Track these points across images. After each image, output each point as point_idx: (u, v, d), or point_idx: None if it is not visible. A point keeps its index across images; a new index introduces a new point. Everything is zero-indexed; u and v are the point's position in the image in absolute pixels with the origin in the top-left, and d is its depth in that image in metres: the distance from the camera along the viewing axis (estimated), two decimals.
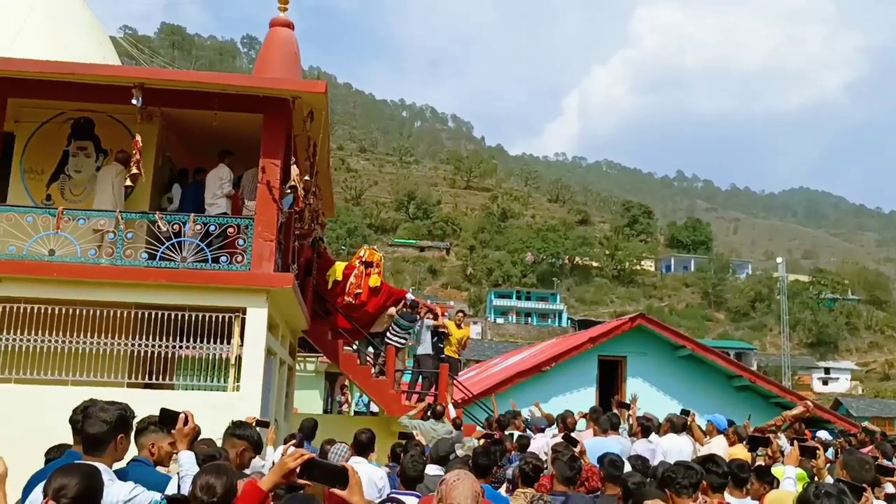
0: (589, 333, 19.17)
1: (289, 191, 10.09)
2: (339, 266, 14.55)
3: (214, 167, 11.01)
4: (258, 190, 10.30)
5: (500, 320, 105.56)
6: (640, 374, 18.03)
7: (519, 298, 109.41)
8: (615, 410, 10.19)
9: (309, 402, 22.41)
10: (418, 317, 14.20)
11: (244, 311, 9.93)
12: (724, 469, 5.22)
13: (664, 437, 9.60)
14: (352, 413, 21.41)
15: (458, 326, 14.57)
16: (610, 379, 18.27)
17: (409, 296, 14.75)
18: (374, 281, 14.40)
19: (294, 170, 10.09)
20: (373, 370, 14.18)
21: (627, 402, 11.35)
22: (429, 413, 10.83)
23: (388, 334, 14.15)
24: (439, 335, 14.24)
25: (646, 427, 9.05)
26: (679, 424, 9.63)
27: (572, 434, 8.49)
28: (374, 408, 19.78)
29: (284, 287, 9.98)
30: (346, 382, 23.47)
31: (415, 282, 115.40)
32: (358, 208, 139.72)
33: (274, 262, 10.14)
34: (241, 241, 10.13)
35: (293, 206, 11.07)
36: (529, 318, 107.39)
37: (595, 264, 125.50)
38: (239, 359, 9.85)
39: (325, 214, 15.98)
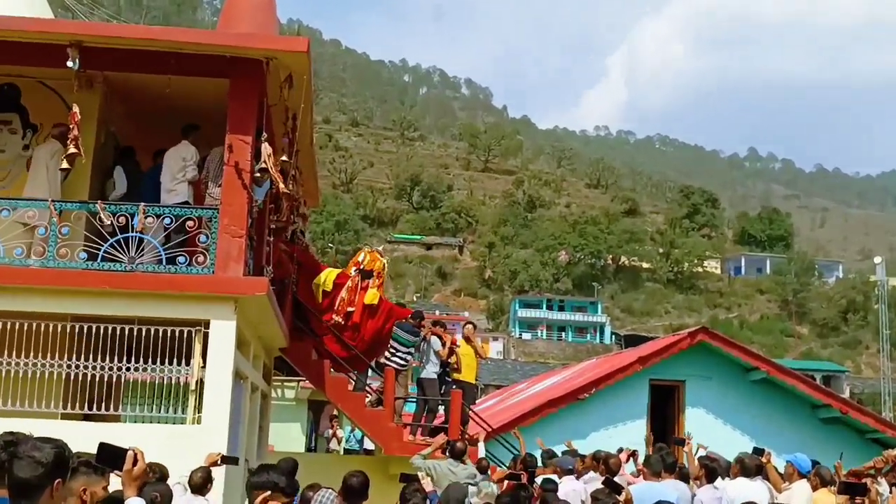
0: (638, 352, 19.12)
1: (259, 173, 10.11)
2: (331, 274, 14.60)
3: (176, 145, 11.03)
4: (224, 174, 10.32)
5: (526, 335, 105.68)
6: (702, 402, 17.97)
7: (550, 308, 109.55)
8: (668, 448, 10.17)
9: (288, 437, 22.48)
10: (421, 330, 14.23)
11: (207, 325, 9.98)
12: None
13: (733, 481, 9.57)
14: (341, 451, 21.47)
15: (467, 341, 14.56)
16: (664, 409, 18.22)
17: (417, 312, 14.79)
18: (372, 297, 14.44)
19: (266, 148, 10.11)
20: (367, 398, 14.22)
21: (685, 438, 11.35)
22: (447, 452, 10.86)
23: (385, 353, 14.20)
24: (452, 352, 14.29)
25: (710, 469, 9.03)
26: (752, 466, 9.58)
27: (616, 478, 8.48)
28: (368, 444, 19.82)
29: (257, 294, 10.01)
30: (335, 413, 23.51)
31: (419, 288, 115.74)
32: (349, 196, 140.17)
33: (244, 264, 10.18)
34: (203, 238, 10.16)
35: (268, 193, 11.10)
36: (563, 333, 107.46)
37: (646, 265, 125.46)
38: (200, 383, 9.89)
39: (308, 204, 16.00)
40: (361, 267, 14.66)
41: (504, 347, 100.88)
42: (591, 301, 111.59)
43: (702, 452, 10.83)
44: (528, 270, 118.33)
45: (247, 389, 11.80)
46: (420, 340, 14.22)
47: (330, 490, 6.34)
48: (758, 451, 10.44)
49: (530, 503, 7.83)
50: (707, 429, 17.02)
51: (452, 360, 14.39)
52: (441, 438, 11.52)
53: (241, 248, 10.15)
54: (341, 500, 6.37)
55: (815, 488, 9.15)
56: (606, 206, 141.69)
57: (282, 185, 10.56)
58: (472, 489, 9.25)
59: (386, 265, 15.18)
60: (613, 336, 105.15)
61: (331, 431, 22.31)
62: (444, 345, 14.26)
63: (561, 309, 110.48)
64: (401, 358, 14.11)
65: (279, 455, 11.95)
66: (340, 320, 14.28)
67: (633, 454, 11.88)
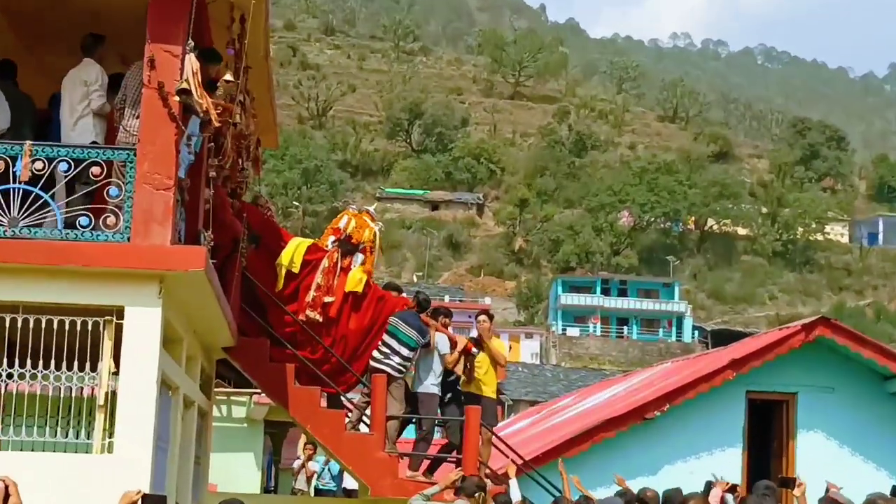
0: (730, 354, 19.03)
1: (179, 96, 10.06)
2: (300, 246, 14.53)
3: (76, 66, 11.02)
4: (143, 100, 10.31)
5: (572, 331, 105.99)
6: (819, 423, 17.85)
7: (606, 293, 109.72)
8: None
9: (237, 471, 22.56)
10: (429, 326, 14.24)
11: (120, 314, 10.00)
12: None
13: None
14: (311, 492, 21.56)
15: (478, 345, 14.55)
16: (766, 433, 18.20)
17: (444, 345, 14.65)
18: (355, 282, 14.39)
19: (191, 61, 10.04)
20: (347, 417, 14.27)
21: (795, 479, 11.44)
22: (459, 493, 10.97)
23: (374, 353, 14.22)
24: (467, 355, 14.34)
25: None
26: None
27: None
28: (350, 482, 19.90)
29: (191, 270, 10.02)
30: (304, 439, 23.54)
31: (421, 264, 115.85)
32: (322, 133, 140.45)
33: (172, 227, 10.18)
34: (113, 191, 10.17)
35: (205, 129, 11.07)
36: (625, 328, 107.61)
37: (742, 231, 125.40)
38: (112, 396, 9.92)
39: (263, 144, 15.95)
40: (343, 236, 14.65)
41: (541, 348, 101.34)
42: (664, 283, 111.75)
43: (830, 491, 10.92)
44: (575, 239, 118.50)
45: (177, 404, 11.85)
46: (425, 339, 14.21)
47: None
48: None
49: None
50: (828, 460, 17.01)
51: (458, 369, 14.41)
52: (453, 474, 11.56)
53: (169, 206, 10.15)
54: None
55: None
56: (687, 148, 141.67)
57: (214, 115, 10.51)
58: None
59: (379, 234, 15.10)
60: (696, 331, 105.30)
61: (297, 464, 22.39)
62: (453, 346, 14.30)
63: (622, 294, 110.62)
64: (399, 362, 14.08)
65: (224, 496, 12.00)
66: (317, 317, 14.28)
67: (732, 489, 12.01)
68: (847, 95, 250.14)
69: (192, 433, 13.12)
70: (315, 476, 21.66)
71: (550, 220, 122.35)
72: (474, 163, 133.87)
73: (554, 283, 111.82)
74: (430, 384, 14.24)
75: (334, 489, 21.43)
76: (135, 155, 10.22)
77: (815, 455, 17.16)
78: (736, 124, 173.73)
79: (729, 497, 11.54)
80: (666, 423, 17.39)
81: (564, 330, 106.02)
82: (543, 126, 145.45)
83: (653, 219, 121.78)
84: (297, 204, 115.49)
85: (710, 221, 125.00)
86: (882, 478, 15.31)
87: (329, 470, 21.45)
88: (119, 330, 9.98)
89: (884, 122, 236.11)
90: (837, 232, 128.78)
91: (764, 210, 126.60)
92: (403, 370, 14.21)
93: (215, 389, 16.75)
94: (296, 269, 14.33)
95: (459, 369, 14.46)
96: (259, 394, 19.93)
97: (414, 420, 14.56)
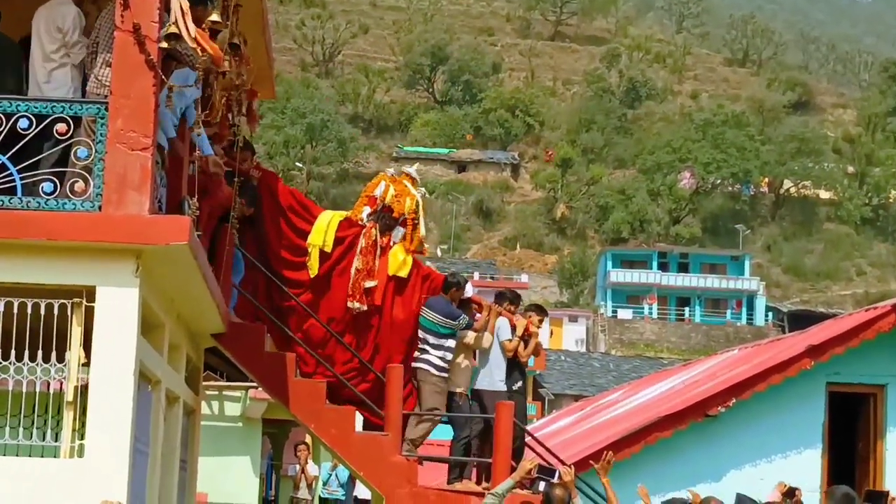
0: (807, 339, 19.04)
1: (167, 41, 10.07)
2: (332, 220, 14.53)
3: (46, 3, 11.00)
4: (116, 45, 10.32)
5: (624, 313, 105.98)
6: None
7: (664, 268, 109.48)
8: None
9: (231, 478, 22.71)
10: (466, 315, 14.32)
11: (91, 295, 10.04)
12: None
13: None
14: (316, 501, 21.70)
15: (524, 340, 14.70)
16: (850, 431, 18.21)
17: (469, 288, 14.79)
18: (398, 263, 14.44)
19: (178, 1, 10.04)
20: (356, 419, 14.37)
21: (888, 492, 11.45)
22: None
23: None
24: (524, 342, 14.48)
25: None
26: None
27: None
28: (362, 490, 20.01)
29: (173, 244, 10.06)
30: (307, 441, 23.64)
31: (447, 235, 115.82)
32: (329, 83, 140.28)
33: (150, 194, 10.21)
34: (82, 152, 10.20)
35: (198, 80, 11.08)
36: (687, 309, 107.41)
37: (825, 195, 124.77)
38: (82, 391, 9.97)
39: (258, 95, 15.95)
40: (380, 207, 14.59)
41: (588, 333, 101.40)
42: (732, 256, 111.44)
43: None
44: (627, 205, 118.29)
45: (159, 400, 11.90)
46: (465, 324, 14.28)
47: None
48: None
49: None
50: None
51: (524, 354, 14.62)
52: (528, 462, 11.54)
53: (146, 169, 10.16)
54: None
55: None
56: (760, 97, 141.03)
57: (201, 60, 10.50)
58: None
59: (421, 201, 14.98)
60: (770, 313, 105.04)
61: (298, 468, 22.56)
62: (514, 332, 14.43)
63: (683, 269, 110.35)
64: (438, 356, 14.13)
65: None
66: (361, 307, 14.34)
67: (790, 493, 12.04)
68: None
69: (176, 434, 13.18)
70: (319, 483, 21.86)
71: (598, 183, 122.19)
72: (508, 116, 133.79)
73: (602, 258, 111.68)
74: (497, 381, 14.34)
75: (343, 498, 21.58)
76: (106, 109, 10.22)
77: None
78: (817, 68, 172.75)
79: None
80: (732, 420, 17.44)
81: (615, 312, 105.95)
82: (590, 72, 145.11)
83: (719, 180, 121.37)
84: (300, 165, 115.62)
85: (787, 183, 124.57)
86: None
87: (337, 476, 21.62)
88: (90, 314, 9.99)
89: None
90: None
91: (850, 169, 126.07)
92: (444, 365, 14.18)
93: (204, 383, 16.81)
94: (328, 249, 14.40)
95: (526, 354, 14.59)
96: (256, 388, 20.01)
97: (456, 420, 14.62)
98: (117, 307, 10.02)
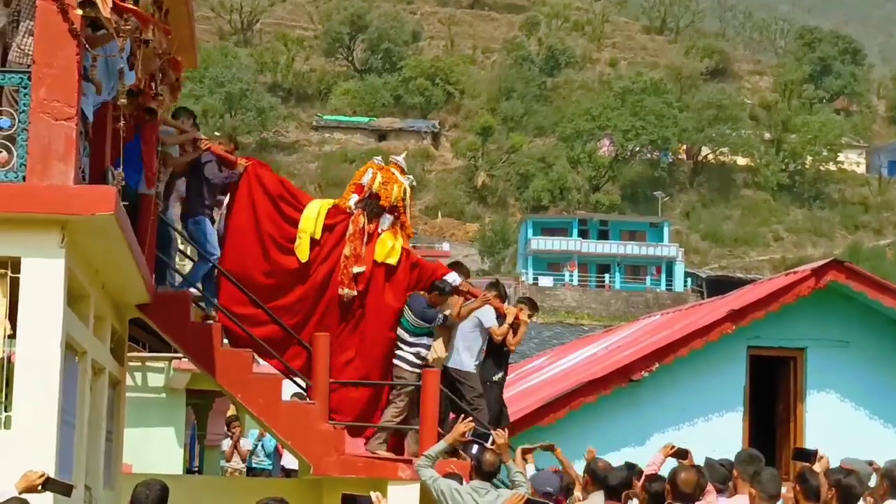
0: (728, 304, 19.23)
1: (81, 8, 9.98)
2: (321, 207, 14.52)
3: None
4: (38, 13, 10.25)
5: (544, 280, 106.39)
6: (832, 382, 18.12)
7: (585, 235, 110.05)
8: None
9: (155, 448, 22.61)
10: (443, 315, 14.41)
11: (16, 266, 10.00)
12: None
13: None
14: (244, 471, 21.65)
15: (513, 329, 14.89)
16: (771, 394, 18.47)
17: (453, 276, 14.83)
18: (386, 250, 14.46)
19: None
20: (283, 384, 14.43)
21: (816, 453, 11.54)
22: (474, 469, 11.07)
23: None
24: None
25: (845, 490, 9.23)
26: None
27: None
28: (290, 460, 20.02)
29: (98, 214, 10.01)
30: (235, 411, 23.58)
31: None
32: (247, 51, 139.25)
33: (75, 164, 10.17)
34: (4, 122, 10.11)
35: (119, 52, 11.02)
36: (607, 276, 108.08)
37: (742, 161, 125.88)
38: (7, 363, 9.95)
39: (181, 66, 15.87)
40: (367, 195, 14.59)
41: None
42: (651, 223, 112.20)
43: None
44: (547, 173, 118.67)
45: (85, 371, 11.88)
46: (440, 322, 14.40)
47: None
48: None
49: None
50: (842, 424, 17.29)
51: (513, 342, 14.84)
52: (462, 425, 11.49)
53: (71, 139, 10.10)
54: None
55: None
56: (678, 65, 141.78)
57: (125, 29, 10.44)
58: None
59: (409, 189, 15.04)
60: (689, 279, 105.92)
61: (227, 444, 22.53)
62: (502, 319, 14.57)
63: (603, 236, 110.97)
64: (409, 352, 14.24)
65: (141, 477, 12.10)
66: (352, 293, 14.36)
67: (680, 454, 12.17)
68: (863, 1, 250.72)
69: (102, 405, 13.14)
70: (247, 454, 21.82)
71: (518, 152, 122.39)
72: (428, 84, 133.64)
73: (523, 225, 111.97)
74: (465, 360, 14.42)
75: (270, 468, 21.55)
76: (29, 79, 10.15)
77: (828, 419, 17.43)
78: (734, 36, 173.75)
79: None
80: (655, 385, 17.55)
81: (536, 279, 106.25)
82: (509, 40, 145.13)
83: (638, 148, 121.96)
84: (218, 135, 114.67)
85: (705, 150, 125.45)
86: None
87: (263, 446, 21.58)
88: (15, 285, 9.97)
89: None
90: (852, 161, 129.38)
91: (767, 136, 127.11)
92: (418, 361, 14.27)
93: (129, 354, 16.76)
94: (318, 236, 14.44)
95: (512, 342, 14.75)
96: (180, 358, 19.95)
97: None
98: (43, 278, 9.99)
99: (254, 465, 21.65)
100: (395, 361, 14.34)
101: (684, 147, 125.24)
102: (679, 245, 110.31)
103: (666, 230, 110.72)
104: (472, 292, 15.00)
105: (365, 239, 14.45)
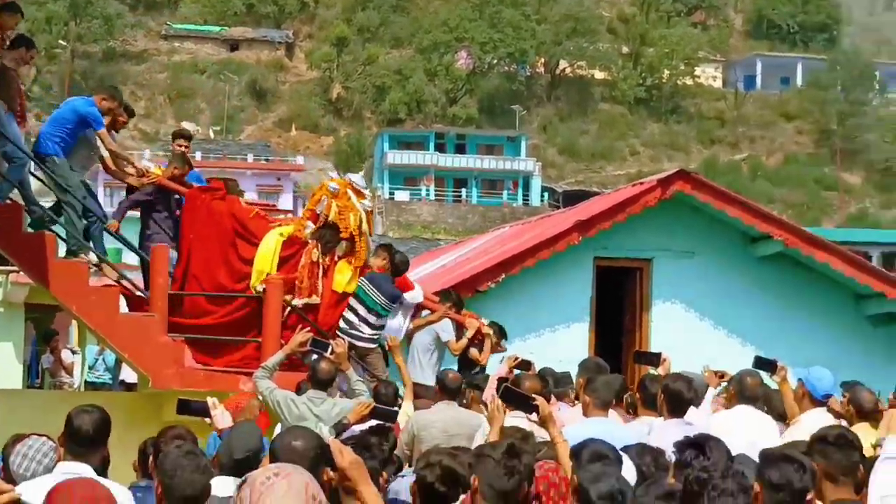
0: (575, 214, 19.38)
1: None
2: (276, 243, 14.07)
3: None
4: None
5: (401, 195, 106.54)
6: (677, 293, 18.43)
7: (441, 149, 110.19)
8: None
9: None
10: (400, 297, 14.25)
11: None
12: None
13: (726, 412, 10.19)
14: (81, 385, 21.51)
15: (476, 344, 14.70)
16: (618, 304, 18.73)
17: (417, 293, 14.68)
18: (344, 282, 14.07)
19: None
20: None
21: (660, 356, 11.72)
22: (309, 379, 11.08)
23: (340, 322, 14.03)
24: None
25: (673, 395, 9.37)
26: (753, 388, 10.15)
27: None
28: (130, 374, 19.91)
29: None
30: (74, 325, 23.43)
31: (220, 115, 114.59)
32: None
33: None
34: None
35: None
36: (464, 190, 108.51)
37: (600, 75, 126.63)
38: None
39: None
40: (322, 224, 14.09)
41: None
42: (508, 137, 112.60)
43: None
44: (404, 86, 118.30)
45: None
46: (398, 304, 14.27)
47: (43, 438, 6.39)
48: (763, 364, 10.92)
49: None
50: (687, 334, 17.57)
51: (482, 358, 14.52)
52: (299, 335, 11.49)
53: None
54: (63, 451, 6.48)
55: (848, 421, 9.63)
56: None
57: None
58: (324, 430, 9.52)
59: (365, 213, 14.44)
60: (546, 193, 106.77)
61: (53, 359, 22.31)
62: (462, 332, 14.39)
63: (459, 150, 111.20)
64: (369, 333, 13.90)
65: None
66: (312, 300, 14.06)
67: (523, 365, 12.31)
68: None
69: None
70: (85, 368, 21.70)
71: (375, 63, 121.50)
72: None
73: (379, 139, 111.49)
74: (429, 376, 13.89)
75: (110, 382, 21.43)
76: None
77: (673, 329, 17.69)
78: None
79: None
80: (502, 295, 17.65)
81: (392, 194, 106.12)
82: None
83: (495, 60, 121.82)
84: (63, 43, 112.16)
85: (563, 63, 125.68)
86: (748, 353, 15.48)
87: (104, 360, 21.45)
88: None
89: None
90: (709, 75, 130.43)
91: (625, 50, 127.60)
92: (375, 340, 13.99)
93: None
94: (273, 272, 13.95)
95: (482, 358, 14.55)
96: (17, 272, 19.71)
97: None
98: None
99: (93, 380, 21.54)
100: (361, 344, 13.81)
101: (542, 60, 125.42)
102: (536, 159, 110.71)
103: (523, 144, 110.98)
104: (431, 306, 14.84)
105: (321, 272, 14.00)
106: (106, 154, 14.76)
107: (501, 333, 15.12)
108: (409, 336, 14.55)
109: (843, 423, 9.19)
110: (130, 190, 14.93)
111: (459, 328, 14.66)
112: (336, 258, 14.19)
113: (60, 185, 14.08)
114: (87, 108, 14.17)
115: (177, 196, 14.70)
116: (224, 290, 14.35)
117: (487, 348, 14.61)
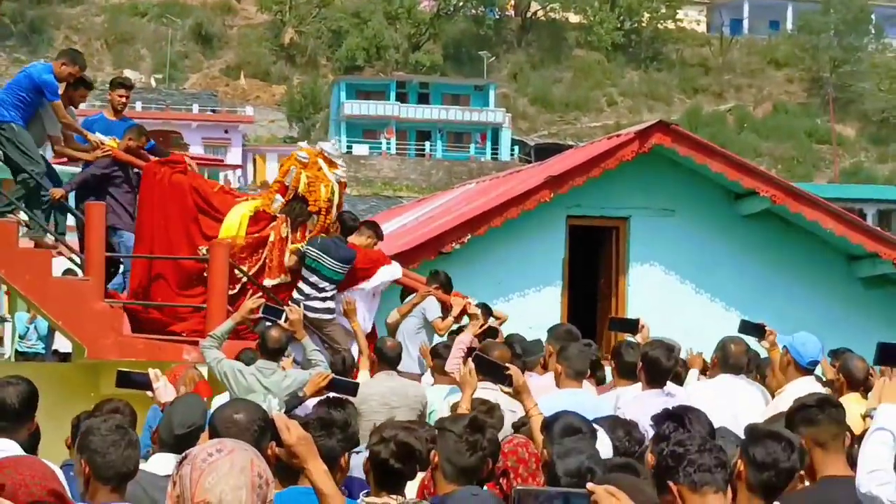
0: (546, 170, 19.41)
1: None
2: (241, 217, 14.02)
3: None
4: None
5: (359, 149, 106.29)
6: (656, 254, 18.54)
7: (403, 99, 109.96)
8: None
9: None
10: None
11: None
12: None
13: (708, 381, 10.37)
14: (11, 356, 21.49)
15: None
16: (592, 266, 18.85)
17: (394, 269, 14.56)
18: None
19: None
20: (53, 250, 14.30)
21: (638, 322, 11.79)
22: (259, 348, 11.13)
23: (294, 293, 13.86)
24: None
25: (651, 363, 9.44)
26: (738, 356, 10.23)
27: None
28: (63, 343, 19.89)
29: None
30: (3, 290, 23.43)
31: (162, 62, 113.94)
32: None
33: None
34: None
35: None
36: (427, 143, 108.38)
37: (574, 18, 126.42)
38: None
39: None
40: (290, 196, 13.95)
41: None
42: (476, 86, 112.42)
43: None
44: (362, 30, 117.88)
45: None
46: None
47: None
48: (750, 328, 10.99)
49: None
50: (666, 298, 17.65)
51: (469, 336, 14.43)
52: (249, 302, 11.51)
53: None
54: None
55: (838, 391, 9.69)
56: None
57: None
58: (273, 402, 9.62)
59: (337, 185, 14.24)
60: (517, 147, 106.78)
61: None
62: (447, 311, 14.14)
63: (423, 100, 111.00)
64: (324, 307, 13.65)
65: None
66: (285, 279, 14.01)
67: (488, 332, 12.36)
68: None
69: None
70: (16, 337, 21.67)
71: (330, 6, 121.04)
72: None
73: (335, 88, 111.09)
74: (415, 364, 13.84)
75: (43, 352, 21.42)
76: None
77: (651, 292, 17.79)
78: None
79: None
80: (468, 257, 17.65)
81: (350, 147, 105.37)
82: None
83: (461, 3, 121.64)
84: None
85: (535, 6, 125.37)
86: (732, 318, 15.64)
87: (36, 328, 21.41)
88: None
89: None
90: (692, 18, 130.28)
91: None
92: (331, 311, 13.76)
93: None
94: (241, 243, 13.93)
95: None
96: None
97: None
98: None
99: (25, 350, 21.52)
100: (319, 316, 13.53)
101: (512, 2, 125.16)
102: (506, 110, 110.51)
103: (492, 94, 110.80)
104: (412, 285, 14.73)
105: (281, 247, 13.88)
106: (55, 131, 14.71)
107: (488, 313, 15.06)
108: (395, 326, 14.30)
109: (829, 391, 9.25)
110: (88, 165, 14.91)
111: (445, 309, 14.43)
112: (308, 234, 13.97)
113: (25, 154, 14.03)
114: (42, 76, 14.12)
115: (136, 170, 14.65)
116: (187, 270, 14.31)
117: (474, 328, 14.45)
